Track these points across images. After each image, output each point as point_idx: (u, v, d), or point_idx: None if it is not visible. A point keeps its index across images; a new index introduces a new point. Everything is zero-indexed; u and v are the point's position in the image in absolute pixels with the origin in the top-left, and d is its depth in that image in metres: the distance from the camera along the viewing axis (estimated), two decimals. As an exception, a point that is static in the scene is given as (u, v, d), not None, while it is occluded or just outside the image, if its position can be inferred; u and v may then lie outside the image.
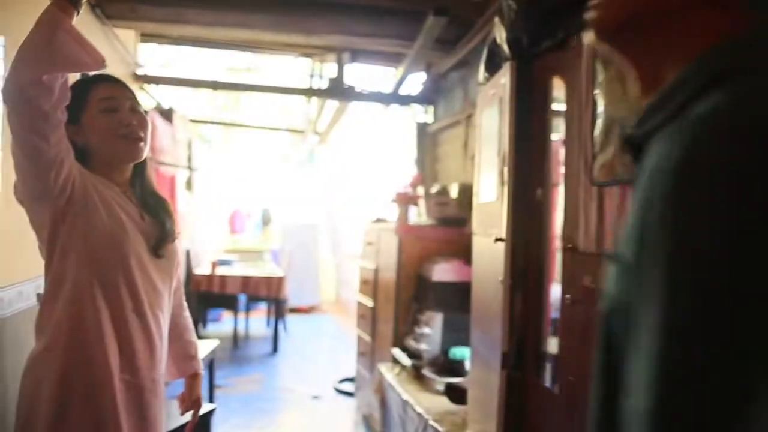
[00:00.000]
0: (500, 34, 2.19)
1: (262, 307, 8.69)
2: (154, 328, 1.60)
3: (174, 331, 1.80)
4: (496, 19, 2.23)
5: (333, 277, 10.81)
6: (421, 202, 4.53)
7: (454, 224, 4.28)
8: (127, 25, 4.28)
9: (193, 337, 1.91)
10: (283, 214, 10.95)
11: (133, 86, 5.19)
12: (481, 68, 2.54)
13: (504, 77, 2.20)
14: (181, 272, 1.87)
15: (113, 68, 4.47)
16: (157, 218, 1.65)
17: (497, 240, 2.18)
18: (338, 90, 5.31)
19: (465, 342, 3.71)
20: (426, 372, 3.64)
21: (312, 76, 6.47)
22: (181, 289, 1.88)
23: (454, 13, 3.56)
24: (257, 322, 8.68)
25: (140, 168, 1.68)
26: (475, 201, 2.75)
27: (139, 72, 5.11)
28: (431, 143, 5.45)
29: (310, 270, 10.22)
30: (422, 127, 5.55)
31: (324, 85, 5.90)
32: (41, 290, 1.67)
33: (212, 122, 8.05)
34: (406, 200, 4.47)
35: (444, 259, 3.98)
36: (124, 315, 1.54)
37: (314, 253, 10.51)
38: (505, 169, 2.16)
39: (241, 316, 7.73)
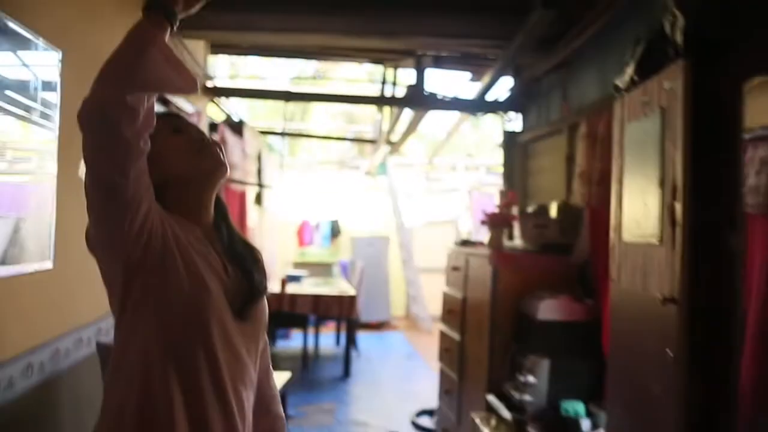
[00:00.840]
0: (671, 23, 1.64)
1: (332, 321, 8.35)
2: (236, 409, 1.30)
3: (259, 405, 1.46)
4: (668, 1, 1.68)
5: (403, 291, 10.36)
6: (517, 224, 3.98)
7: (555, 251, 3.70)
8: (196, 35, 4.01)
9: (280, 409, 1.57)
10: (352, 225, 10.62)
11: (204, 99, 4.97)
12: (629, 69, 1.99)
13: (672, 81, 1.65)
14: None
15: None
16: (245, 272, 1.41)
17: (666, 301, 1.62)
18: (417, 98, 4.84)
19: (577, 394, 3.13)
20: (531, 429, 3.09)
21: (384, 83, 6.05)
22: (267, 351, 1.54)
23: (564, 5, 2.99)
24: (327, 338, 8.35)
25: (223, 209, 1.47)
26: (615, 237, 2.18)
27: (210, 84, 4.84)
28: (522, 154, 4.87)
29: (380, 284, 9.81)
30: (511, 137, 4.97)
31: (400, 92, 5.46)
32: (103, 335, 1.32)
33: (281, 133, 7.78)
34: (499, 222, 3.93)
35: (548, 293, 3.41)
36: (201, 397, 1.25)
37: (384, 266, 10.11)
38: (678, 205, 1.61)
39: (311, 331, 7.42)
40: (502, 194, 4.99)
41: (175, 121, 1.41)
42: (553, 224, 3.91)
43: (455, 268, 4.43)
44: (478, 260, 3.93)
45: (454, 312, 4.34)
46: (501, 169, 4.90)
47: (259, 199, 6.88)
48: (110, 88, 1.10)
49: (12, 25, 1.88)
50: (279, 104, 8.30)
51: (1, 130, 1.89)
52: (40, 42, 2.04)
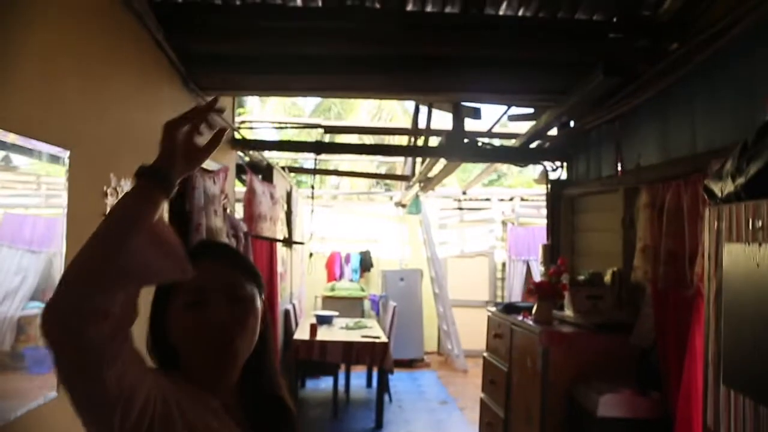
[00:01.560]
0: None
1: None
2: None
3: None
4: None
5: (436, 326, 10.01)
6: (567, 294, 3.63)
7: (612, 329, 3.34)
8: (224, 94, 3.80)
9: None
10: (383, 256, 10.34)
11: (231, 153, 4.78)
12: (734, 180, 1.66)
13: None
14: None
15: (207, 137, 4.02)
16: None
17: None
18: (455, 148, 4.54)
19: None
20: None
21: (417, 115, 5.79)
22: None
23: (626, 73, 2.68)
24: (358, 377, 8.06)
25: (257, 363, 1.19)
26: (711, 379, 1.83)
27: (236, 136, 4.64)
28: (569, 208, 4.52)
29: (412, 319, 9.49)
30: (557, 187, 4.63)
31: (436, 138, 5.19)
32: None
33: (311, 170, 7.58)
34: (549, 294, 3.59)
35: (607, 384, 3.05)
36: None
37: (416, 301, 9.78)
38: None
39: (341, 368, 7.15)
40: (545, 249, 4.65)
41: (197, 294, 1.12)
42: (608, 295, 3.56)
43: (498, 336, 4.10)
44: (525, 334, 3.60)
45: (498, 384, 4.01)
46: (538, 202, 4.55)
47: (288, 241, 6.66)
48: (77, 289, 0.88)
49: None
50: (311, 132, 8.12)
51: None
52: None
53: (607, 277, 3.65)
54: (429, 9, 3.07)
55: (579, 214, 4.41)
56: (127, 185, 2.51)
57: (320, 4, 3.03)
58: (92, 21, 2.24)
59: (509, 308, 4.13)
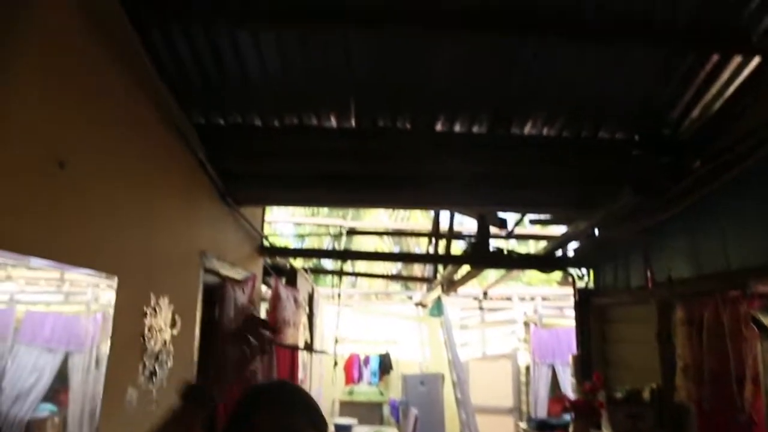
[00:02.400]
0: None
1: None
2: None
3: None
4: None
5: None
6: (605, 413, 3.47)
7: (657, 452, 3.16)
8: (255, 206, 3.93)
9: None
10: (403, 358, 10.07)
11: (259, 261, 4.85)
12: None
13: None
14: None
15: (239, 248, 4.10)
16: None
17: None
18: (480, 256, 4.55)
19: None
20: None
21: (438, 226, 5.86)
22: None
23: (656, 191, 2.73)
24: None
25: None
26: None
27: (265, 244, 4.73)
28: (598, 317, 4.44)
29: (434, 427, 9.04)
30: (585, 295, 4.57)
31: (459, 239, 5.23)
32: None
33: (333, 272, 7.60)
34: (586, 413, 3.43)
35: None
36: None
37: (438, 407, 9.38)
38: None
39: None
40: (576, 361, 4.51)
41: None
42: (649, 415, 3.39)
43: (532, 456, 3.88)
44: (562, 457, 3.41)
45: None
46: (561, 303, 4.45)
47: (309, 346, 6.55)
48: None
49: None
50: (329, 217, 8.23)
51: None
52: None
53: (646, 394, 3.50)
54: (457, 129, 3.21)
55: (610, 324, 4.32)
56: (164, 303, 2.54)
57: (353, 125, 3.19)
58: (141, 144, 2.38)
59: (542, 425, 3.94)
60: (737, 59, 2.77)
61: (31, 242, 1.59)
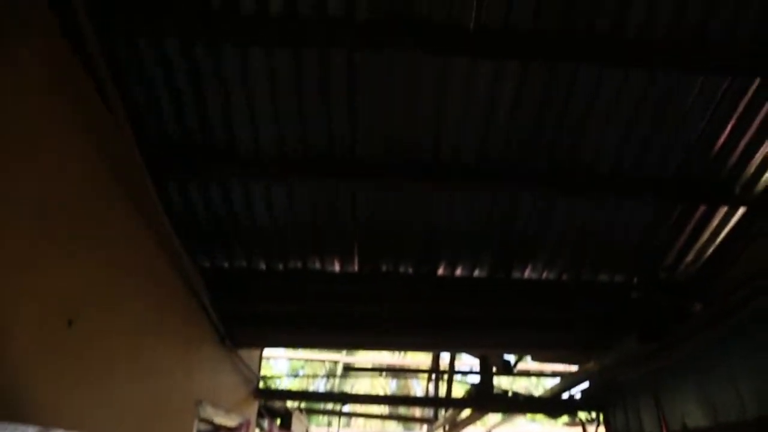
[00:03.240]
0: None
1: None
2: None
3: None
4: None
5: None
6: None
7: None
8: (254, 348, 3.85)
9: None
10: None
11: (254, 404, 4.64)
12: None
13: None
14: None
15: (234, 392, 3.94)
16: None
17: None
18: (483, 399, 4.38)
19: None
20: None
21: (438, 363, 5.70)
22: None
23: (661, 337, 2.72)
24: None
25: None
26: None
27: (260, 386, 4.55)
28: (613, 467, 4.16)
29: None
30: (595, 442, 4.32)
31: (460, 375, 5.05)
32: None
33: (329, 412, 7.24)
34: None
35: None
36: None
37: None
38: None
39: None
40: None
41: None
42: None
43: None
44: None
45: None
46: None
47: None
48: None
49: None
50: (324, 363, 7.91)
51: None
52: None
53: None
54: (459, 273, 3.26)
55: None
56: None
57: (356, 269, 3.24)
58: (147, 293, 2.38)
59: None
60: (724, 208, 2.91)
61: (31, 408, 1.54)
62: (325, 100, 2.40)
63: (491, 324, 3.42)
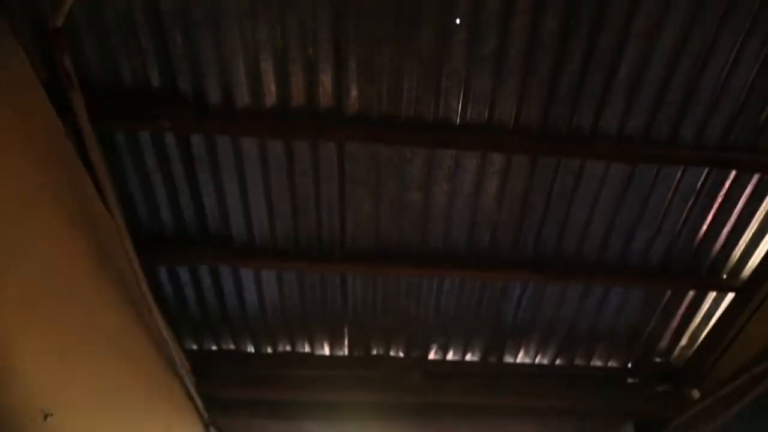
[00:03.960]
0: None
1: None
2: None
3: None
4: None
5: None
6: None
7: None
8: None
9: None
10: None
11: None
12: None
13: None
14: None
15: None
16: None
17: None
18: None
19: None
20: None
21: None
22: None
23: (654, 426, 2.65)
24: None
25: None
26: None
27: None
28: None
29: None
30: None
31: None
32: None
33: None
34: None
35: None
36: None
37: None
38: None
39: None
40: None
41: None
42: None
43: None
44: None
45: None
46: None
47: None
48: None
49: None
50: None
51: None
52: None
53: None
54: (450, 357, 3.22)
55: None
56: None
57: (346, 353, 3.19)
58: (130, 383, 2.34)
59: None
60: (713, 293, 2.92)
61: None
62: (316, 188, 2.46)
63: (485, 411, 3.32)
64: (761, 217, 2.55)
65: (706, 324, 3.07)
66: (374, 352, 3.18)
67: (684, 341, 3.17)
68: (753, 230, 2.61)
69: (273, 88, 2.16)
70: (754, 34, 2.03)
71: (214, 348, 3.21)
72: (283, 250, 2.68)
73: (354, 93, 2.18)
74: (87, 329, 1.98)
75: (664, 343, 3.19)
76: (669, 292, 2.91)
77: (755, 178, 2.41)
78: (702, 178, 2.43)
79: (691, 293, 2.92)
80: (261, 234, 2.63)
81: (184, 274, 2.81)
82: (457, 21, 1.99)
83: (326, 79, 2.14)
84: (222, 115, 2.21)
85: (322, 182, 2.44)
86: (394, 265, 2.68)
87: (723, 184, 2.43)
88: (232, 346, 3.19)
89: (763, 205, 2.50)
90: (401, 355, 3.20)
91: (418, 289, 2.87)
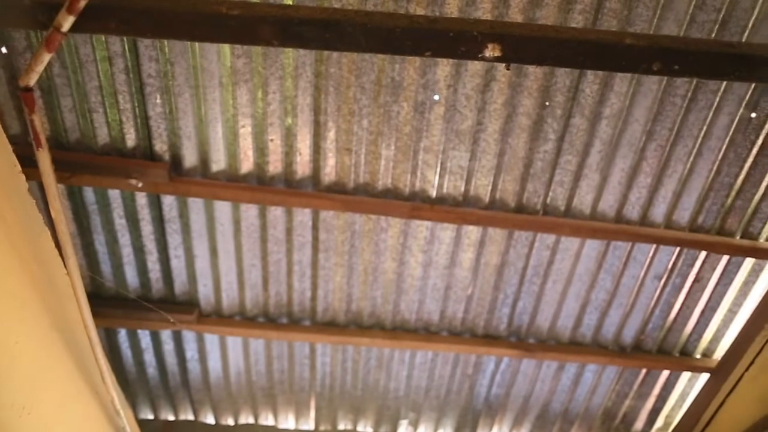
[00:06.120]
0: None
1: None
2: None
3: None
4: None
5: None
6: None
7: None
8: None
9: None
10: None
11: None
12: None
13: None
14: None
15: None
16: None
17: None
18: None
19: None
20: None
21: None
22: None
23: None
24: None
25: None
26: None
27: None
28: None
29: None
30: None
31: None
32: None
33: None
34: None
35: None
36: None
37: None
38: None
39: None
40: None
41: None
42: None
43: None
44: None
45: None
46: None
47: None
48: None
49: None
50: None
51: None
52: None
53: None
54: (421, 434, 3.08)
55: None
56: None
57: (312, 426, 3.04)
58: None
59: None
60: (687, 374, 2.89)
61: None
62: (289, 254, 2.41)
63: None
64: (731, 298, 2.57)
65: (681, 405, 3.02)
66: (341, 426, 3.04)
67: (660, 422, 3.11)
68: (724, 312, 2.62)
69: (250, 153, 2.16)
70: (720, 114, 2.10)
71: (171, 418, 3.04)
72: (251, 316, 2.60)
73: (331, 162, 2.18)
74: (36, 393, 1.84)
75: (639, 424, 3.12)
76: (644, 371, 2.88)
77: (724, 259, 2.44)
78: (673, 258, 2.45)
79: (665, 373, 2.88)
80: (229, 299, 2.55)
81: (144, 338, 2.69)
82: (436, 97, 2.03)
83: (304, 147, 2.14)
84: (197, 178, 2.19)
85: (295, 249, 2.40)
86: (365, 335, 2.60)
87: (693, 264, 2.46)
88: (191, 417, 3.02)
89: (733, 286, 2.53)
90: (370, 430, 3.06)
91: (390, 361, 2.79)
